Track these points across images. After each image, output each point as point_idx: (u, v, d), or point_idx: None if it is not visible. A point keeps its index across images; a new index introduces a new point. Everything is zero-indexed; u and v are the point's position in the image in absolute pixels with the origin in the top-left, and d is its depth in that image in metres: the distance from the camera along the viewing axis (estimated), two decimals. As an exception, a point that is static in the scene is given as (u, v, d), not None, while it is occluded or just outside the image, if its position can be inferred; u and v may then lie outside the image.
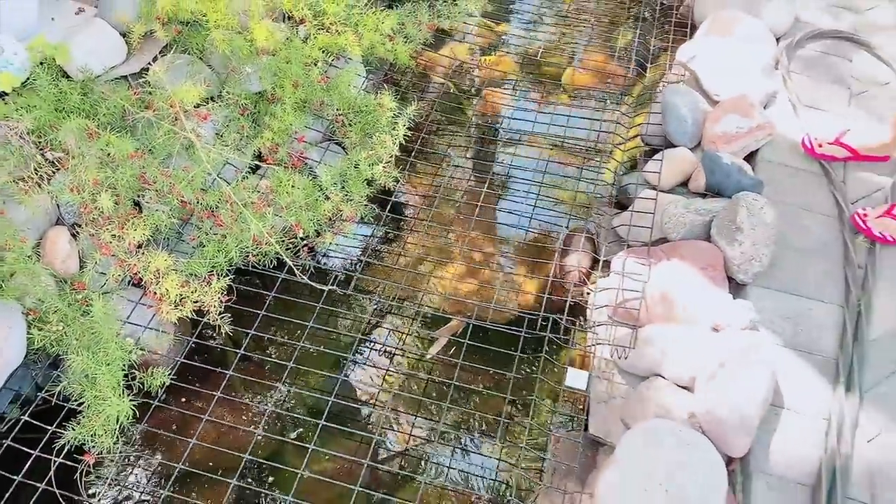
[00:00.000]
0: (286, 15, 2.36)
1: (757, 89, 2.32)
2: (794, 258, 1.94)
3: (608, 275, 2.03)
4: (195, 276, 1.86)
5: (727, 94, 2.30)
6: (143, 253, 1.84)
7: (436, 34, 2.87)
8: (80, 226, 1.92)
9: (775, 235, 1.88)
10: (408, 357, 2.07)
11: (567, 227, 2.32)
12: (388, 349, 2.10)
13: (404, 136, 2.24)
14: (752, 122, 2.19)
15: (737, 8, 2.60)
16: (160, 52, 2.19)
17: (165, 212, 1.93)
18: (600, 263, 2.11)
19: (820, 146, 2.17)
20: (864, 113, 2.37)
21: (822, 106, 2.38)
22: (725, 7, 2.62)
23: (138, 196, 1.98)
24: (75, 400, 1.67)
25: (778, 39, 2.59)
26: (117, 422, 1.63)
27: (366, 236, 2.34)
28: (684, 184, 2.19)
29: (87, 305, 1.79)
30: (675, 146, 2.26)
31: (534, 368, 1.87)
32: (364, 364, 2.07)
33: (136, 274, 1.83)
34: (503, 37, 3.08)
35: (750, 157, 2.22)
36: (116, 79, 2.11)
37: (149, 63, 2.13)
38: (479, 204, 2.34)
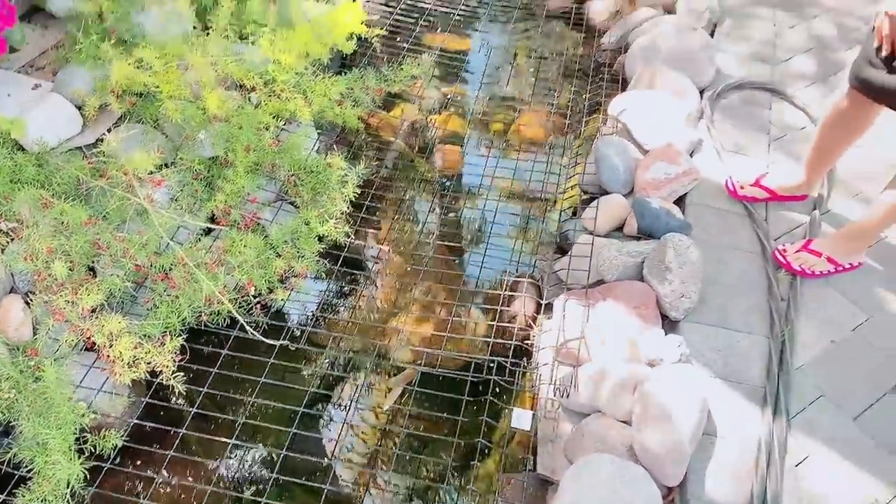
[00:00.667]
0: (238, 84, 2.48)
1: (683, 138, 2.49)
2: (722, 294, 2.06)
3: (551, 317, 2.13)
4: (149, 337, 1.91)
5: (655, 144, 2.46)
6: (96, 317, 1.89)
7: (386, 96, 3.03)
8: (33, 293, 1.96)
9: (702, 273, 2.01)
10: (361, 408, 2.12)
11: (513, 273, 2.42)
12: (341, 401, 2.15)
13: (356, 193, 2.35)
14: (678, 168, 2.35)
15: (662, 64, 2.80)
16: (115, 123, 2.28)
17: (119, 276, 1.98)
18: (543, 306, 2.20)
19: (742, 188, 2.32)
20: (783, 156, 2.55)
21: (744, 151, 2.56)
22: (652, 63, 2.82)
23: (92, 262, 2.03)
24: (26, 467, 1.68)
25: (701, 91, 2.79)
26: (68, 486, 1.64)
27: (318, 291, 2.41)
28: (619, 228, 2.32)
29: (39, 371, 1.82)
30: (609, 193, 2.40)
31: (481, 412, 1.94)
32: (318, 417, 2.11)
33: (89, 338, 1.87)
34: (451, 97, 3.24)
35: (680, 201, 2.37)
36: (71, 150, 2.19)
37: (103, 134, 2.21)
38: (429, 255, 2.43)
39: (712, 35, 3.12)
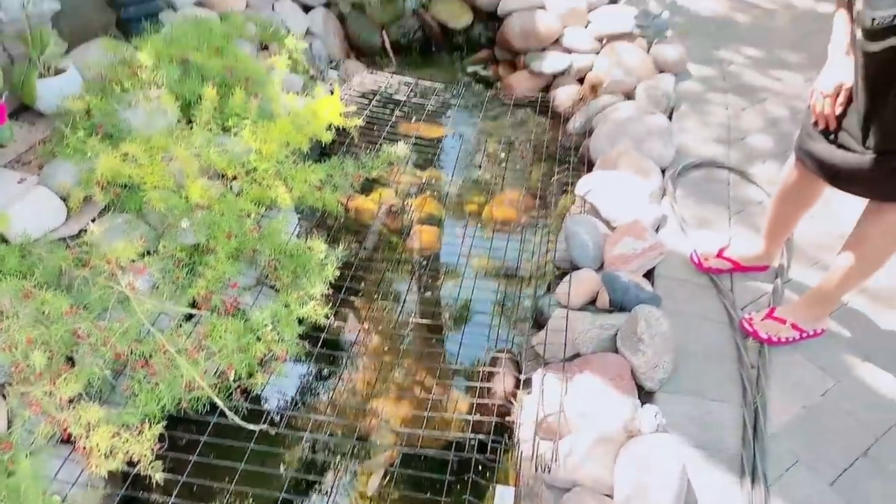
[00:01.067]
0: (220, 173, 2.57)
1: (648, 214, 2.62)
2: (694, 363, 2.11)
3: (530, 392, 2.16)
4: (127, 426, 1.89)
5: (622, 220, 2.58)
6: (73, 407, 1.87)
7: (364, 182, 3.15)
8: (10, 384, 1.95)
9: (674, 343, 2.07)
10: (343, 493, 2.09)
11: (492, 350, 2.46)
12: (322, 486, 2.12)
13: (335, 275, 2.41)
14: (645, 243, 2.45)
15: (625, 146, 2.97)
16: (99, 214, 2.34)
17: (99, 365, 1.98)
18: (522, 382, 2.23)
19: (706, 260, 2.43)
20: (743, 228, 2.68)
21: (706, 225, 2.68)
22: (615, 145, 2.99)
23: (72, 351, 2.03)
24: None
25: (663, 170, 2.95)
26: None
27: (298, 375, 2.42)
28: (592, 302, 2.39)
29: (13, 466, 1.78)
30: (581, 268, 2.49)
31: (464, 491, 1.92)
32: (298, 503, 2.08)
33: (66, 430, 1.84)
34: (427, 180, 3.37)
35: (648, 274, 2.46)
36: (55, 240, 2.23)
37: (87, 224, 2.27)
38: (409, 334, 2.47)
39: (670, 118, 3.33)
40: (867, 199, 1.85)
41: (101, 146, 2.34)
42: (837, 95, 1.77)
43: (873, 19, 1.53)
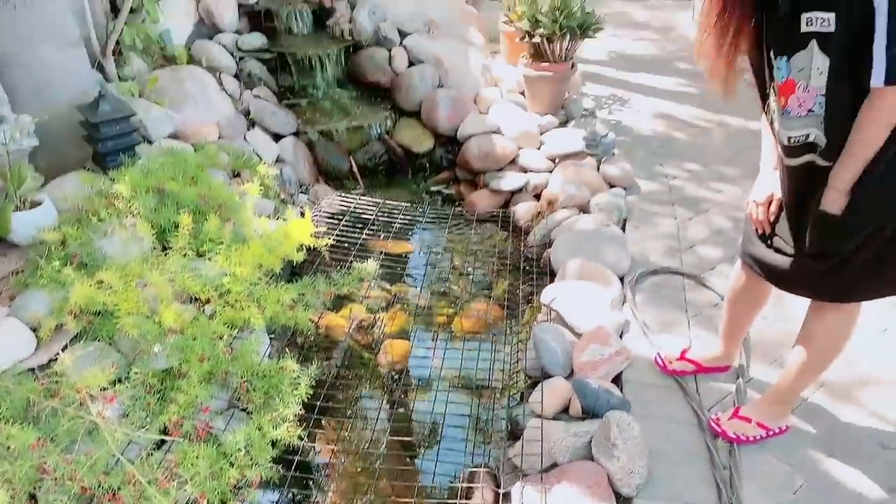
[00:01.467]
0: (193, 297, 2.61)
1: (611, 320, 2.73)
2: (668, 467, 2.14)
3: (509, 506, 2.14)
4: (90, 566, 1.80)
5: (587, 327, 2.68)
6: (34, 548, 1.79)
7: (336, 297, 3.21)
8: (-33, 528, 1.85)
9: (647, 447, 2.11)
10: None
11: (469, 465, 2.45)
12: None
13: (308, 393, 2.41)
14: (611, 349, 2.54)
15: (583, 255, 3.13)
16: (70, 342, 2.34)
17: (63, 500, 1.91)
18: (501, 496, 2.21)
19: (670, 363, 2.52)
20: (702, 330, 2.80)
21: (667, 329, 2.80)
22: (574, 255, 3.16)
23: (35, 488, 1.96)
24: None
25: (621, 278, 3.11)
26: None
27: (271, 501, 2.35)
28: (565, 409, 2.43)
29: None
30: (551, 376, 2.55)
31: None
32: None
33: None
34: (397, 295, 3.45)
35: (617, 379, 2.53)
36: (23, 371, 2.21)
37: (57, 353, 2.25)
38: (384, 452, 2.45)
39: (623, 229, 3.54)
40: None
41: (76, 275, 2.38)
42: (770, 204, 1.96)
43: (789, 138, 1.74)
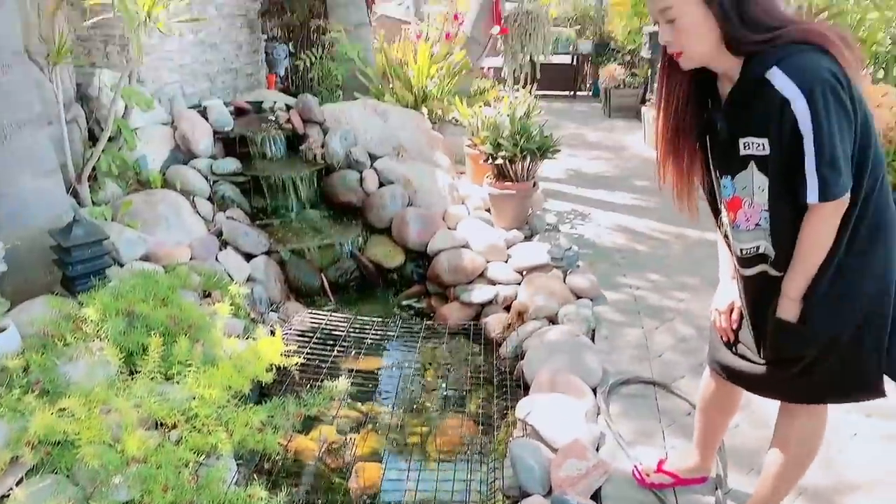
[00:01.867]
0: (159, 422, 2.53)
1: (586, 433, 2.71)
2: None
3: None
4: None
5: (562, 441, 2.65)
6: None
7: (306, 419, 3.13)
8: None
9: (632, 567, 2.03)
10: None
11: None
12: None
13: (277, 523, 2.29)
14: (588, 463, 2.50)
15: (555, 366, 3.15)
16: (25, 475, 2.21)
17: None
18: None
19: (648, 476, 2.48)
20: (678, 440, 2.79)
21: (642, 440, 2.78)
22: (545, 368, 3.17)
23: None
24: None
25: (594, 388, 3.12)
26: None
27: None
28: (546, 530, 2.35)
29: None
30: (530, 495, 2.48)
31: None
32: None
33: None
34: (368, 414, 3.38)
35: (596, 495, 2.47)
36: (-29, 510, 2.07)
37: (11, 488, 2.13)
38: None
39: (593, 340, 3.59)
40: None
41: (37, 403, 2.30)
42: (731, 312, 2.04)
43: (741, 249, 1.85)
